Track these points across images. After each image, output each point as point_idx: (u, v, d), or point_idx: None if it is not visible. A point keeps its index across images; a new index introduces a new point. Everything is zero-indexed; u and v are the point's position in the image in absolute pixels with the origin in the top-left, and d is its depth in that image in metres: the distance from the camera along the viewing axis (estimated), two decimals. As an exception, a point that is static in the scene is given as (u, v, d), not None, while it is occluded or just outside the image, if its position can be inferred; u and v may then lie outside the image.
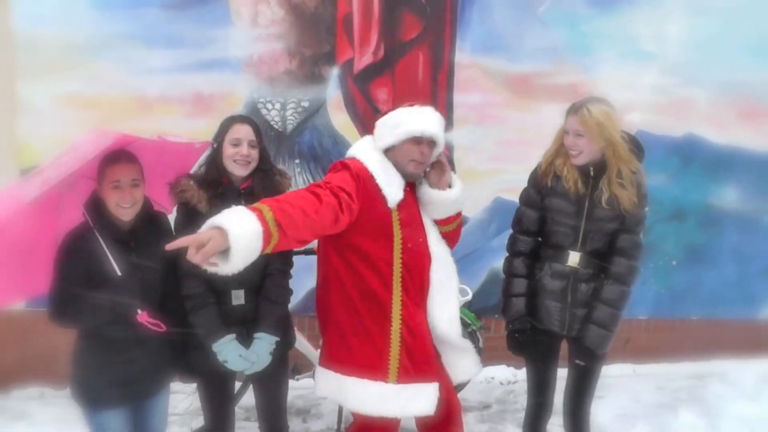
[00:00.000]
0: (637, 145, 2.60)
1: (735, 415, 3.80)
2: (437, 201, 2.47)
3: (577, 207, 2.56)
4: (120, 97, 3.81)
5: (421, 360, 2.40)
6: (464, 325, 3.78)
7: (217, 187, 2.38)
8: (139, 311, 2.21)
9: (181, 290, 2.39)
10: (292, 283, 2.62)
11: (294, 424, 3.75)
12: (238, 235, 1.76)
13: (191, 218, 2.31)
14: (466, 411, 3.89)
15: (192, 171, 2.52)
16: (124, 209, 2.19)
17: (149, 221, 2.32)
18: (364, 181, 2.29)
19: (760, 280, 4.70)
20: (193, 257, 1.70)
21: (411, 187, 2.48)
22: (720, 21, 4.23)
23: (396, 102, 4.04)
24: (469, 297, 3.73)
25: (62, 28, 3.70)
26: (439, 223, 2.54)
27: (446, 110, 4.10)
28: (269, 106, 3.97)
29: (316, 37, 3.93)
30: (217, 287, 2.42)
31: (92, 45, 3.76)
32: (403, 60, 4.02)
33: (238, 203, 2.07)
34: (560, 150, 2.60)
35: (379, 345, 2.36)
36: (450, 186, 2.51)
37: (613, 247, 2.59)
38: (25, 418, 3.62)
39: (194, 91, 3.86)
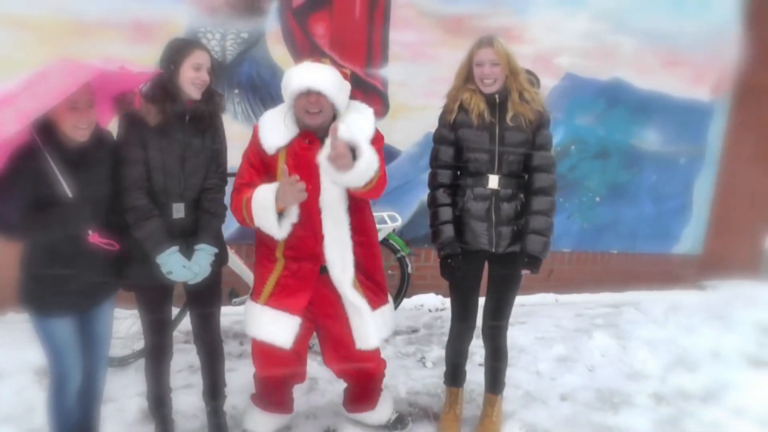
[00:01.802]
0: (534, 76, 2.82)
1: (643, 338, 4.16)
2: (336, 179, 2.43)
3: (489, 133, 2.74)
4: (57, 20, 3.74)
5: (290, 296, 2.63)
6: (393, 251, 3.98)
7: (167, 105, 2.43)
8: (90, 232, 2.26)
9: (124, 203, 2.44)
10: (229, 212, 2.73)
11: (231, 346, 3.89)
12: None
13: (138, 130, 2.42)
14: (395, 335, 4.10)
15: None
16: (81, 130, 2.19)
17: (96, 140, 2.32)
18: (254, 134, 2.62)
19: (675, 218, 5.06)
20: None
21: (311, 138, 2.54)
22: (646, -30, 4.43)
23: (333, 37, 4.17)
24: (399, 223, 3.90)
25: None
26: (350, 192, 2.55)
27: (381, 47, 4.20)
28: (209, 35, 3.99)
29: (257, -31, 3.95)
30: (158, 201, 2.50)
31: (31, -36, 3.66)
32: (342, -4, 4.08)
33: (182, 119, 2.47)
34: (464, 86, 2.76)
35: (265, 273, 2.69)
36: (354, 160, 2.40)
37: (529, 167, 2.80)
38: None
39: (134, 17, 3.82)
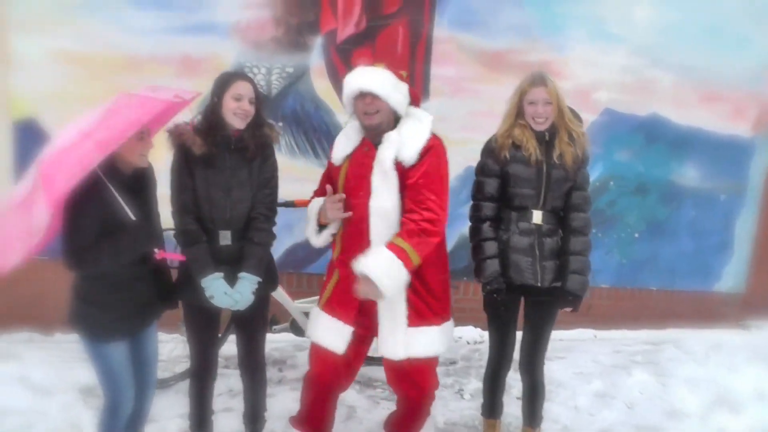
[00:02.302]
0: (576, 114, 2.88)
1: (684, 377, 4.07)
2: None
3: (537, 170, 2.79)
4: (110, 55, 3.96)
5: (341, 303, 2.68)
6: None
7: (212, 136, 2.54)
8: (156, 250, 2.38)
9: (175, 226, 2.56)
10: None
11: (270, 372, 3.91)
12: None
13: (186, 159, 2.54)
14: (432, 366, 4.11)
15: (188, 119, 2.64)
16: (144, 157, 2.35)
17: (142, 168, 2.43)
18: (331, 150, 2.76)
19: (715, 255, 4.97)
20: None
21: (370, 146, 2.61)
22: (685, 6, 4.46)
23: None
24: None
25: (57, -15, 3.82)
26: None
27: (423, 81, 4.29)
28: (255, 70, 4.14)
29: (302, 7, 4.10)
30: (206, 227, 2.59)
31: (85, 3, 3.89)
32: (384, 32, 4.20)
33: (228, 149, 2.57)
34: (517, 121, 2.82)
35: (328, 278, 2.80)
36: None
37: (567, 205, 2.85)
38: (14, 359, 3.76)
39: (183, 52, 4.01)
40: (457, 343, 4.53)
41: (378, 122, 2.54)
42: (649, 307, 4.88)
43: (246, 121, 2.57)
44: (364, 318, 2.67)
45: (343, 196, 2.61)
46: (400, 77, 2.60)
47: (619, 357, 4.45)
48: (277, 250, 4.31)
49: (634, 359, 4.42)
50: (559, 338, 4.34)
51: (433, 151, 2.55)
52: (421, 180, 2.50)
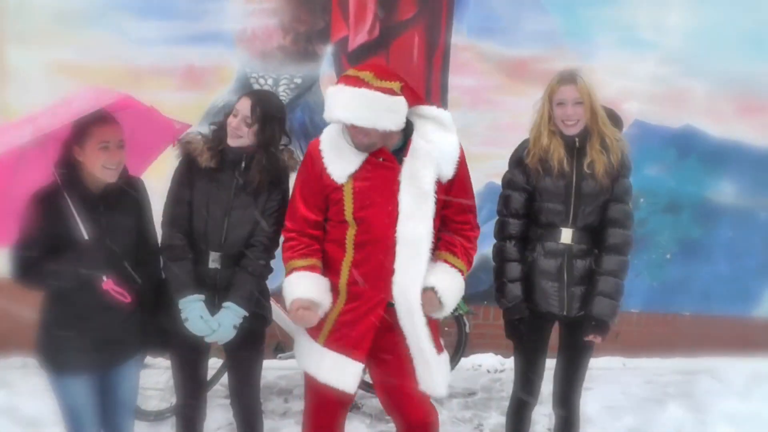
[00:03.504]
0: (613, 117, 2.61)
1: (723, 412, 3.75)
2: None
3: (566, 182, 2.52)
4: (111, 67, 3.79)
5: (351, 337, 2.36)
6: (450, 309, 3.73)
7: (218, 146, 2.38)
8: (105, 278, 2.13)
9: (161, 239, 2.38)
10: (281, 262, 2.55)
11: (275, 403, 3.71)
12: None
13: (190, 170, 2.39)
14: (450, 397, 3.85)
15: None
16: (110, 171, 2.14)
17: (123, 185, 2.25)
18: (314, 161, 2.34)
19: (755, 277, 4.63)
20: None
21: (386, 155, 2.29)
22: (721, 11, 4.16)
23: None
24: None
25: (54, -5, 3.67)
26: None
27: (440, 92, 4.06)
28: (261, 81, 3.95)
29: (311, 14, 3.90)
30: (197, 246, 2.40)
31: (84, 14, 3.76)
32: (399, 40, 3.98)
33: (232, 169, 2.39)
34: (544, 128, 2.55)
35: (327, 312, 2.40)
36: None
37: (605, 219, 2.56)
38: (6, 387, 3.59)
39: (186, 63, 3.85)
40: (477, 371, 4.26)
41: (367, 143, 2.25)
42: (682, 333, 4.54)
43: (238, 141, 2.36)
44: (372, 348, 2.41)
45: (311, 307, 2.29)
46: (392, 92, 2.18)
47: (650, 388, 4.15)
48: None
49: (667, 391, 4.12)
50: (585, 366, 4.07)
51: (462, 157, 2.37)
52: (460, 195, 2.37)
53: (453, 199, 2.35)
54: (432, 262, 2.34)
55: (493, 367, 4.29)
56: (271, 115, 2.39)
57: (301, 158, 2.46)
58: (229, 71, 3.87)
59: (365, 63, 3.09)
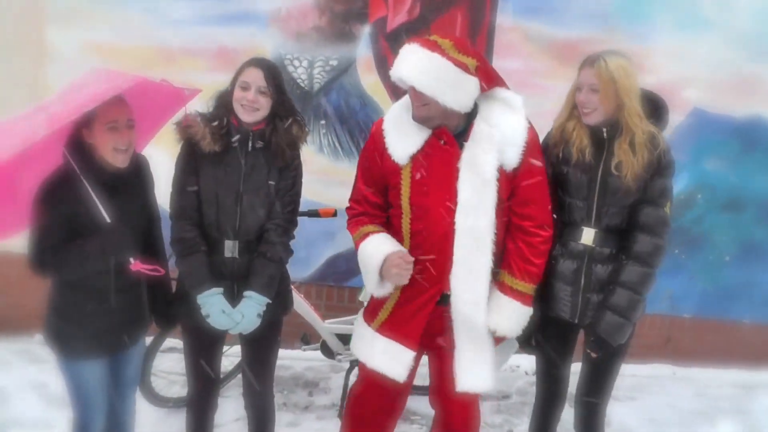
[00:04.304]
0: (656, 105, 2.31)
1: (785, 432, 3.44)
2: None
3: (589, 177, 2.27)
4: (145, 48, 3.76)
5: (404, 325, 2.28)
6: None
7: (222, 127, 2.23)
8: (132, 260, 2.09)
9: (171, 233, 2.26)
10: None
11: (299, 396, 3.60)
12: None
13: (193, 156, 2.24)
14: (483, 399, 3.63)
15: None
16: (120, 153, 2.06)
17: (133, 165, 2.17)
18: (376, 142, 2.24)
19: (825, 284, 4.23)
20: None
21: (447, 137, 2.13)
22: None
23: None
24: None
25: (90, -25, 3.65)
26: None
27: (483, 76, 3.84)
28: (296, 63, 3.81)
29: (348, -8, 3.73)
30: (209, 236, 2.28)
31: (120, -7, 3.72)
32: (440, 20, 3.76)
33: (245, 147, 2.24)
34: (573, 112, 2.32)
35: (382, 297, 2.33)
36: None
37: (634, 223, 2.29)
38: (38, 363, 3.59)
39: (218, 44, 3.75)
40: (515, 372, 4.03)
41: (425, 115, 2.10)
42: (741, 343, 4.17)
43: (255, 114, 2.21)
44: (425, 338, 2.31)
45: (412, 259, 2.17)
46: (465, 68, 2.03)
47: (701, 402, 3.82)
48: (317, 260, 4.01)
49: (720, 406, 3.79)
50: (631, 373, 3.78)
51: (535, 145, 2.18)
52: (531, 187, 2.19)
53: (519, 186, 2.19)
54: (492, 284, 2.24)
55: (533, 369, 4.02)
56: (282, 82, 2.28)
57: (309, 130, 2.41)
58: (263, 52, 3.69)
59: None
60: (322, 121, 3.88)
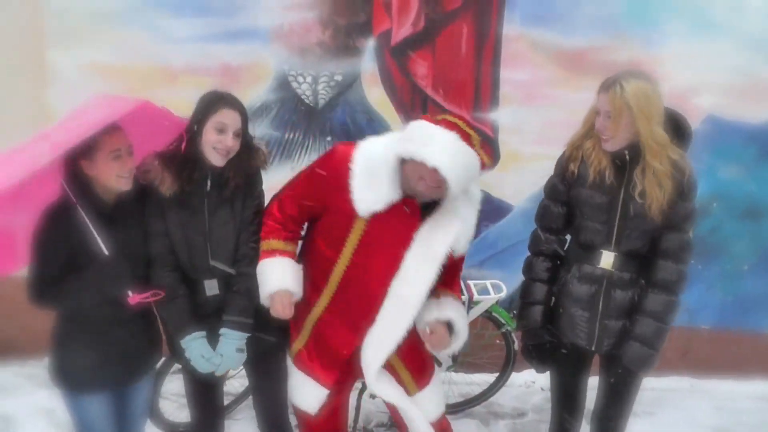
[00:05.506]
0: (678, 126, 2.23)
1: (811, 448, 3.34)
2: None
3: (610, 199, 2.19)
4: (147, 67, 3.73)
5: (321, 363, 2.33)
6: (498, 325, 3.47)
7: (187, 171, 2.15)
8: (130, 293, 2.07)
9: (151, 280, 2.20)
10: None
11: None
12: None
13: (156, 199, 2.16)
14: (497, 418, 3.58)
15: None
16: (124, 179, 2.04)
17: (132, 191, 2.14)
18: (338, 176, 2.09)
19: None
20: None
21: (413, 207, 2.12)
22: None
23: (436, 77, 3.79)
24: (503, 293, 3.38)
25: (91, -4, 3.64)
26: None
27: (491, 87, 3.77)
28: (300, 79, 3.77)
29: (351, 6, 3.68)
30: (189, 277, 2.24)
31: (121, 13, 3.69)
32: (446, 31, 3.71)
33: (200, 188, 2.17)
34: (591, 131, 2.24)
35: (297, 323, 2.35)
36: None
37: (656, 248, 2.21)
38: (49, 388, 3.53)
39: (221, 61, 3.72)
40: (530, 388, 3.95)
41: (428, 196, 2.09)
42: (761, 354, 4.08)
43: (227, 158, 2.15)
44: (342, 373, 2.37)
45: (292, 312, 2.21)
46: (482, 161, 2.06)
47: (721, 417, 3.72)
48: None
49: (741, 419, 3.69)
50: (649, 387, 3.66)
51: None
52: (459, 264, 2.35)
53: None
54: (431, 298, 2.24)
55: (548, 384, 3.95)
56: (248, 120, 2.23)
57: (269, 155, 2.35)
58: (266, 69, 3.72)
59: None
60: (328, 138, 3.84)
